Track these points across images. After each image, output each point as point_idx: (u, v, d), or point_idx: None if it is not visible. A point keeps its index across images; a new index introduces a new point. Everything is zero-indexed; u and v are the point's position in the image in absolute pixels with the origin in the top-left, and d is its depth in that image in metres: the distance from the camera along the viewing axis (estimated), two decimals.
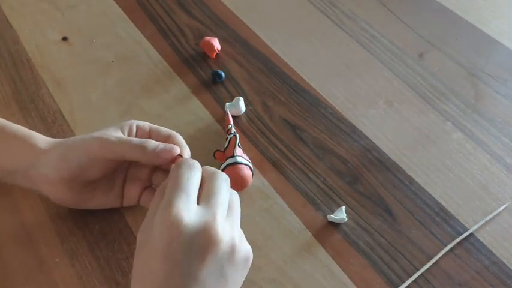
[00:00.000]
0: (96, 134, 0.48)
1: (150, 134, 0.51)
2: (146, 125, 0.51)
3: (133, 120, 0.51)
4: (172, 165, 0.43)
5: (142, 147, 0.46)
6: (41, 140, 0.50)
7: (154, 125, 0.51)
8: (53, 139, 0.51)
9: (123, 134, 0.49)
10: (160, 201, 0.40)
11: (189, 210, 0.38)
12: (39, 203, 0.53)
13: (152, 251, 0.38)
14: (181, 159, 0.45)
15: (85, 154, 0.47)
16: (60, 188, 0.49)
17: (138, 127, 0.51)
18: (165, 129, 0.51)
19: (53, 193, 0.50)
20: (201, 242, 0.38)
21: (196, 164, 0.43)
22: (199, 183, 0.42)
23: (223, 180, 0.43)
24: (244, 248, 0.41)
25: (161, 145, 0.47)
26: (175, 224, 0.37)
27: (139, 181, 0.51)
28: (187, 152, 0.49)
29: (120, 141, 0.47)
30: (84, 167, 0.48)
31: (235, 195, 0.44)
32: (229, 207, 0.42)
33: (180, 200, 0.38)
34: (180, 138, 0.50)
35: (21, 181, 0.50)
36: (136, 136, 0.50)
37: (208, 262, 0.38)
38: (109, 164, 0.48)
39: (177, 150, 0.47)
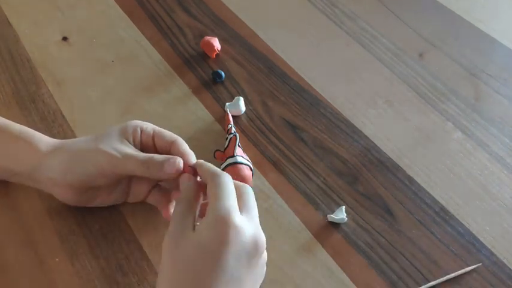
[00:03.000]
0: (102, 145, 0.47)
1: (154, 138, 0.50)
2: (149, 128, 0.50)
3: (137, 122, 0.50)
4: (216, 172, 0.44)
5: (148, 166, 0.46)
6: (44, 142, 0.50)
7: (158, 128, 0.51)
8: (56, 141, 0.51)
9: (128, 140, 0.49)
10: (185, 211, 0.42)
11: (244, 220, 0.41)
12: (39, 203, 0.53)
13: (200, 253, 0.39)
14: (214, 171, 0.44)
15: (92, 167, 0.47)
16: (66, 189, 0.49)
17: (142, 131, 0.50)
18: (169, 134, 0.50)
19: (59, 194, 0.50)
20: (251, 250, 0.40)
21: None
22: None
23: (253, 195, 0.45)
24: None
25: (165, 163, 0.46)
26: (235, 230, 0.39)
27: (147, 181, 0.51)
28: (193, 159, 0.49)
29: (126, 159, 0.47)
30: (91, 177, 0.48)
31: None
32: None
33: (236, 209, 0.41)
34: (184, 146, 0.49)
35: (26, 182, 0.51)
36: (141, 140, 0.50)
37: (253, 269, 0.41)
38: (116, 175, 0.49)
39: (181, 165, 0.46)
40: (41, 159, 0.49)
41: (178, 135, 0.61)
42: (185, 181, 0.45)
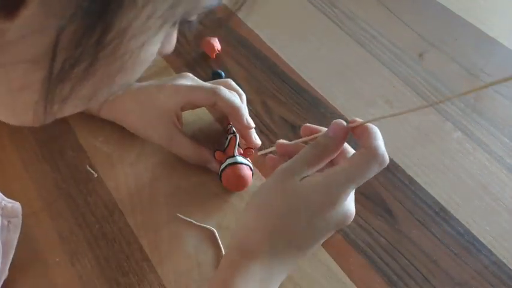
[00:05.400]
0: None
1: None
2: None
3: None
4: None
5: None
6: None
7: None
8: None
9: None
10: (313, 158, 0.41)
11: (351, 198, 0.43)
12: (39, 203, 0.53)
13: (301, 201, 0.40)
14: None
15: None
16: None
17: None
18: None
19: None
20: (341, 221, 0.41)
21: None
22: None
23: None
24: None
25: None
26: (339, 206, 0.40)
27: None
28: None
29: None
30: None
31: None
32: None
33: (351, 188, 0.40)
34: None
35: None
36: None
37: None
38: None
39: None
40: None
41: None
42: (337, 132, 0.43)
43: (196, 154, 0.56)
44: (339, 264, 0.50)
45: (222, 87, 0.55)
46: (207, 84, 0.57)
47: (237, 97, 0.56)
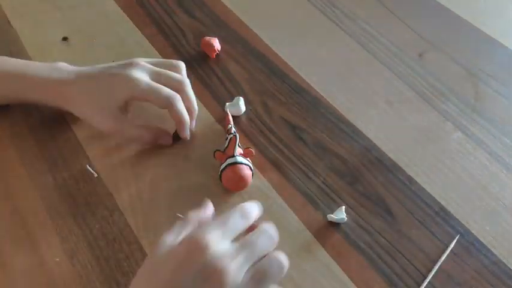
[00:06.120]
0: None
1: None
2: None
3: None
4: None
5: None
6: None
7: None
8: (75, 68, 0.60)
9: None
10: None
11: (218, 243, 0.38)
12: (39, 203, 0.53)
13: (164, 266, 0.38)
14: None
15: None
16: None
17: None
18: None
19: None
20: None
21: (250, 215, 0.41)
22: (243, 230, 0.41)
23: (265, 237, 0.40)
24: None
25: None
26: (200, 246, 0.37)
27: None
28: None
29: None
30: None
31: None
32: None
33: (217, 233, 0.38)
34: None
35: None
36: None
37: None
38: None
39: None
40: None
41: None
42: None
43: (148, 132, 0.58)
44: (339, 264, 0.50)
45: (179, 99, 0.57)
46: (164, 89, 0.57)
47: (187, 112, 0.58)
